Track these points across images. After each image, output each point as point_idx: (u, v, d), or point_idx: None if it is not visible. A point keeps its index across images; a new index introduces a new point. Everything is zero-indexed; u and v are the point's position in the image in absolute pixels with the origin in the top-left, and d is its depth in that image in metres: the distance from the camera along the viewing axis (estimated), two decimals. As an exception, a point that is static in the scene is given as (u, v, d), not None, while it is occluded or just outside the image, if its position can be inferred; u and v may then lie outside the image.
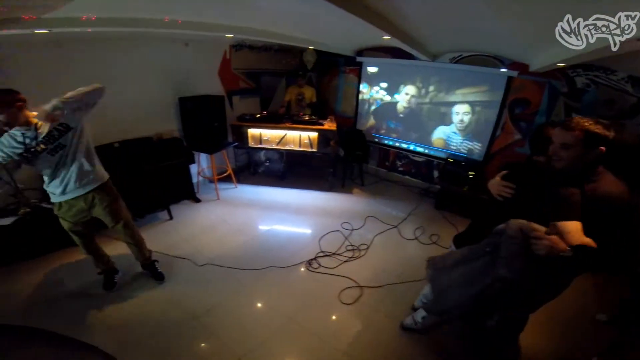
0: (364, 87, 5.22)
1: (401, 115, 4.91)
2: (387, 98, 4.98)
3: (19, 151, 2.00)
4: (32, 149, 2.02)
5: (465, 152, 4.39)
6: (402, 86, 4.77)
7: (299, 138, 4.64)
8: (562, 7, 1.76)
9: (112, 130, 3.42)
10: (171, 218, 3.83)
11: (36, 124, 2.03)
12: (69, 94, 2.03)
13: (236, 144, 4.70)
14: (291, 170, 5.29)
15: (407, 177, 5.26)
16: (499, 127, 4.07)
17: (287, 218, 4.00)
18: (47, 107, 1.95)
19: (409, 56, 4.42)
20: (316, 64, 5.50)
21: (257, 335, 2.35)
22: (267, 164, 5.37)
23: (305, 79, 5.18)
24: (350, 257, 3.28)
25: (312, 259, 3.18)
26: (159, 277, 2.82)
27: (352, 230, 3.75)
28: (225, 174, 4.57)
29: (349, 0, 2.15)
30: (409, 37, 3.49)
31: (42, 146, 2.04)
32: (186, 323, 2.42)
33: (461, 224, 3.92)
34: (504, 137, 4.10)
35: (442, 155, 4.62)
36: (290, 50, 5.43)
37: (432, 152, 4.75)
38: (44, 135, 2.03)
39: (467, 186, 4.06)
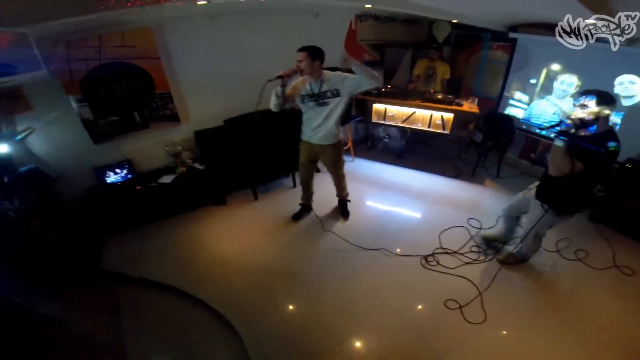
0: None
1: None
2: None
3: (303, 93, 2.71)
4: (309, 94, 2.71)
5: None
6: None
7: (429, 117, 4.22)
8: None
9: (254, 99, 3.68)
10: (294, 186, 4.07)
11: (322, 79, 2.63)
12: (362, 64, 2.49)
13: (359, 118, 4.58)
14: (410, 149, 4.93)
15: (557, 174, 4.33)
16: None
17: (405, 202, 3.80)
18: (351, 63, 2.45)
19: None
20: (448, 37, 4.84)
21: (360, 325, 2.37)
22: (386, 140, 5.14)
23: (440, 52, 4.62)
24: (475, 260, 2.93)
25: (429, 255, 2.95)
26: (345, 215, 3.49)
27: (481, 229, 3.31)
28: (345, 147, 4.56)
29: None
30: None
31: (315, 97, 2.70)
32: (305, 299, 2.59)
33: (622, 244, 3.08)
34: None
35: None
36: (418, 21, 4.87)
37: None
38: (321, 90, 2.65)
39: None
